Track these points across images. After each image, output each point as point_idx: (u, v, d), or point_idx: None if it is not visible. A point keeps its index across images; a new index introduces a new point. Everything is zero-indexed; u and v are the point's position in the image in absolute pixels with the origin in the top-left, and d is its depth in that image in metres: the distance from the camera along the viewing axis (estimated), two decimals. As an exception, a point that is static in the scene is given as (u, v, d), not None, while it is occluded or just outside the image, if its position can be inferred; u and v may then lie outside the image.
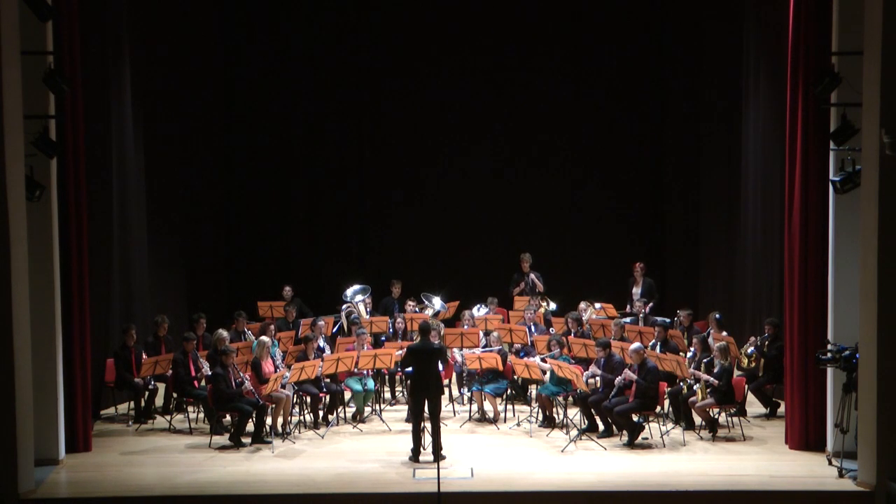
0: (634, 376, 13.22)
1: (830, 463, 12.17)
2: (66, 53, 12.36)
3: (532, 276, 17.59)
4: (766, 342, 14.45)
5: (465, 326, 15.87)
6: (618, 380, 13.32)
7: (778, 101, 14.52)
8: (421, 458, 12.61)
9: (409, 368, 13.28)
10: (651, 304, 16.87)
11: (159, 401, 14.89)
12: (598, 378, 13.87)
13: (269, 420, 13.58)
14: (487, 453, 13.06)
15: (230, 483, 11.94)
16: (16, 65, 11.22)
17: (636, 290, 17.39)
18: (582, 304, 16.57)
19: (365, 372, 14.51)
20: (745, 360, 14.48)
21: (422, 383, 12.71)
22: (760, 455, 12.87)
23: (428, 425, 12.71)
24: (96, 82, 14.58)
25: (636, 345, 13.65)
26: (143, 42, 16.45)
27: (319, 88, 19.48)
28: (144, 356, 14.65)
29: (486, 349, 14.82)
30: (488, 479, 12.00)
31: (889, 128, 10.78)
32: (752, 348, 14.50)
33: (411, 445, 12.73)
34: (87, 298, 12.93)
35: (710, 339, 14.79)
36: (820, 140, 12.40)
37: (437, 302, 16.89)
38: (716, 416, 13.70)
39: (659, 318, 15.80)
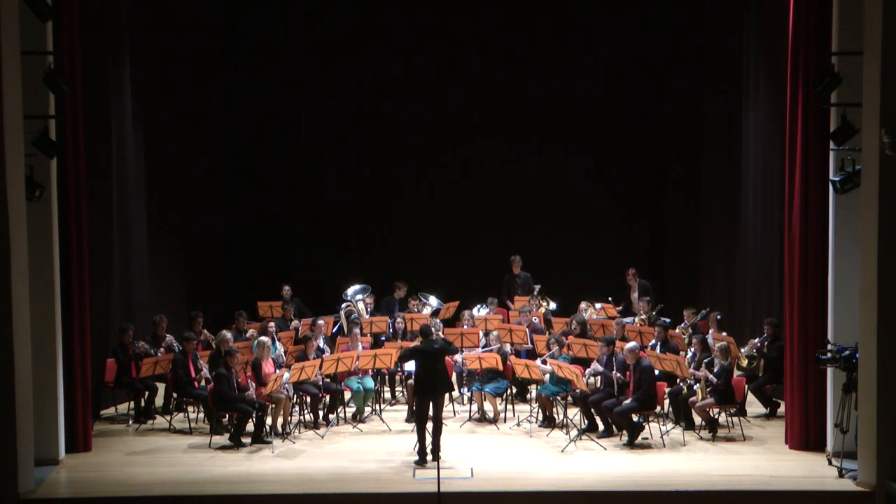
0: (600, 367, 13.43)
1: (830, 463, 12.17)
2: (66, 53, 12.35)
3: (523, 276, 17.62)
4: (766, 342, 14.45)
5: (465, 326, 15.87)
6: (615, 375, 13.37)
7: (778, 101, 14.52)
8: (427, 461, 12.52)
9: (409, 368, 13.23)
10: (659, 307, 16.78)
11: (159, 401, 14.89)
12: (598, 377, 13.87)
13: (269, 420, 13.58)
14: (487, 453, 13.05)
15: (230, 483, 11.94)
16: (16, 65, 11.21)
17: (635, 296, 17.43)
18: (583, 304, 16.61)
19: (362, 372, 14.52)
20: (745, 362, 14.48)
21: (429, 384, 12.67)
22: (760, 455, 12.87)
23: (429, 425, 12.67)
24: (96, 82, 14.57)
25: (631, 344, 13.67)
26: (143, 42, 16.45)
27: (320, 88, 19.49)
28: (149, 348, 14.68)
29: (486, 349, 14.83)
30: (488, 479, 12.00)
31: (889, 128, 10.78)
32: (752, 350, 14.47)
33: (415, 447, 12.68)
34: (87, 298, 12.93)
35: (710, 339, 14.79)
36: (820, 140, 12.40)
37: (433, 300, 16.91)
38: (716, 416, 13.70)
39: (660, 319, 15.81)
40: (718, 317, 15.51)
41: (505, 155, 19.61)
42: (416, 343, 13.66)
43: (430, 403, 12.64)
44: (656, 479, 11.93)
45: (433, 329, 14.99)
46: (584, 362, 14.45)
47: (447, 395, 14.87)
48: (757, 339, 14.61)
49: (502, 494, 11.63)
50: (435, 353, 12.79)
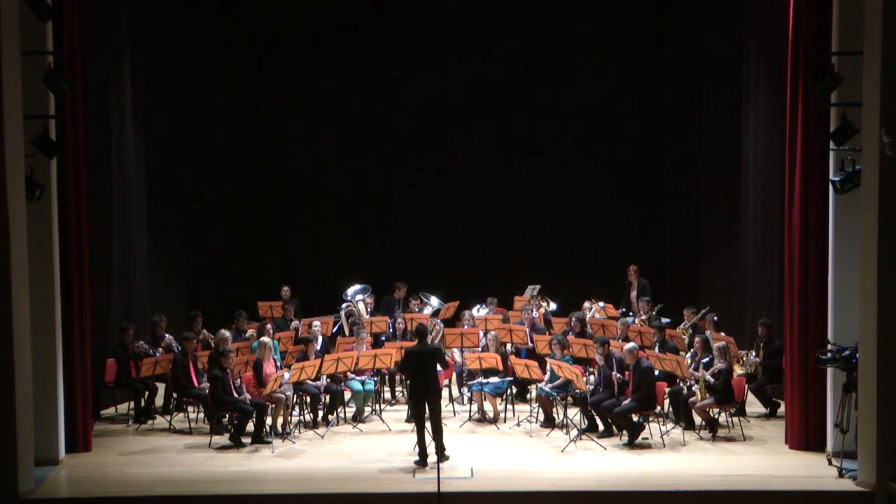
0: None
1: (830, 463, 12.17)
2: (66, 53, 12.35)
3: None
4: (762, 343, 14.43)
5: (465, 326, 15.87)
6: (615, 375, 13.36)
7: (778, 101, 14.52)
8: (428, 462, 12.49)
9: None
10: (659, 307, 16.79)
11: (159, 401, 14.90)
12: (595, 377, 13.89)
13: (269, 420, 13.58)
14: (487, 453, 13.05)
15: (230, 483, 11.94)
16: (16, 65, 11.21)
17: (634, 294, 17.41)
18: (586, 304, 16.60)
19: (369, 372, 14.52)
20: (742, 371, 14.47)
21: (420, 387, 12.66)
22: (760, 455, 12.87)
23: (429, 425, 12.65)
24: (96, 82, 14.58)
25: (630, 345, 13.67)
26: (143, 42, 16.46)
27: (320, 88, 19.51)
28: (149, 348, 14.69)
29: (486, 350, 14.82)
30: (488, 479, 12.00)
31: (889, 128, 10.78)
32: (751, 368, 14.44)
33: (414, 449, 12.68)
34: (87, 298, 12.93)
35: (710, 339, 14.77)
36: (820, 140, 12.40)
37: (434, 300, 16.92)
38: (716, 416, 13.70)
39: (659, 319, 15.80)
40: (715, 318, 15.50)
41: (505, 155, 19.61)
42: (410, 345, 13.60)
43: (427, 405, 12.61)
44: (656, 479, 11.93)
45: (432, 330, 15.03)
46: (584, 362, 14.45)
47: (446, 396, 14.95)
48: (754, 355, 14.53)
49: (502, 494, 11.63)
50: (427, 356, 12.72)
